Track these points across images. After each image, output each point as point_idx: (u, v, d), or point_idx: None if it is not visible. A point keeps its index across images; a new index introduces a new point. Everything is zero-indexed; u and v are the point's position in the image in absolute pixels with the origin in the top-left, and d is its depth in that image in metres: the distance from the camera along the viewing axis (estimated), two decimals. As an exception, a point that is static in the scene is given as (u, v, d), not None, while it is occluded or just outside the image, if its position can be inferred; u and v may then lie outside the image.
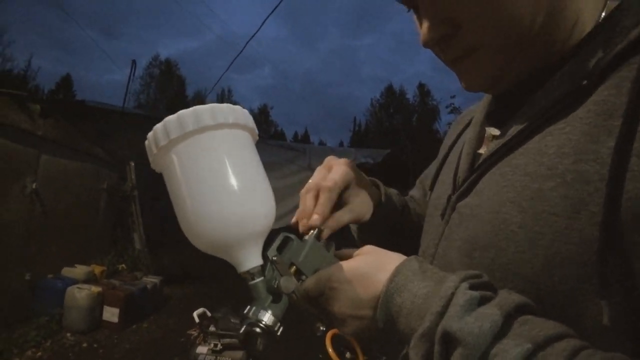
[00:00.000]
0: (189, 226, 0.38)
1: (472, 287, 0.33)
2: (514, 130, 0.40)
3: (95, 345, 3.36)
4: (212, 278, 5.60)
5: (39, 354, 3.08)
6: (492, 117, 0.49)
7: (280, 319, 0.40)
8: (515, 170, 0.38)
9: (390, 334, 0.39)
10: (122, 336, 3.61)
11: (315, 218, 0.48)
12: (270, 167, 6.17)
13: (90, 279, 4.11)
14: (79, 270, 4.11)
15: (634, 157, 0.30)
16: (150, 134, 0.39)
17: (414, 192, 0.76)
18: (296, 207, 0.53)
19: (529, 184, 0.36)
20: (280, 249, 0.44)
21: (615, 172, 0.30)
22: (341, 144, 34.20)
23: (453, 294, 0.33)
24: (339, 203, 0.53)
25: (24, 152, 3.81)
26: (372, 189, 0.60)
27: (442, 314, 0.32)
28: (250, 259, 0.40)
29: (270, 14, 5.40)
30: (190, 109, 0.37)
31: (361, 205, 0.55)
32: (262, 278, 0.40)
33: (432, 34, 0.41)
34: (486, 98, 0.53)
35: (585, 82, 0.35)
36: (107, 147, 5.76)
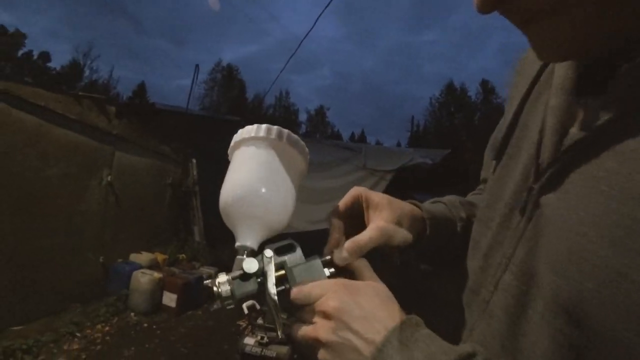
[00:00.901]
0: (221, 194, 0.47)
1: None
2: (604, 115, 0.31)
3: (154, 327, 3.65)
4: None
5: (107, 328, 3.42)
6: (585, 82, 0.37)
7: (235, 295, 0.40)
8: (609, 176, 0.29)
9: None
10: (179, 321, 3.87)
11: (326, 251, 0.46)
12: (325, 166, 6.21)
13: (153, 265, 4.47)
14: (144, 257, 4.49)
15: None
16: (242, 130, 0.49)
17: (486, 174, 0.63)
18: None
19: (619, 206, 0.28)
20: (280, 251, 0.44)
21: None
22: (398, 145, 33.39)
23: None
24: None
25: (101, 149, 4.26)
26: (411, 211, 0.51)
27: None
28: (246, 239, 0.44)
29: (323, 11, 5.42)
30: (266, 125, 0.48)
31: (387, 222, 0.47)
32: (246, 258, 0.42)
33: None
34: None
35: None
36: (173, 145, 6.22)
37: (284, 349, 2.49)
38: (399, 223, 0.48)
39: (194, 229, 6.38)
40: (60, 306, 3.53)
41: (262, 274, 0.41)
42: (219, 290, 0.40)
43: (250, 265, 0.41)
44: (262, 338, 2.43)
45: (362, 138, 48.40)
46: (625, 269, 0.26)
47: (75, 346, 3.03)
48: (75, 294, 3.71)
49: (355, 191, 0.50)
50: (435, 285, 6.47)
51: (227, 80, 36.84)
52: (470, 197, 0.66)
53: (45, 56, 30.13)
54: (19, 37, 27.52)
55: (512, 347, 0.37)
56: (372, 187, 6.94)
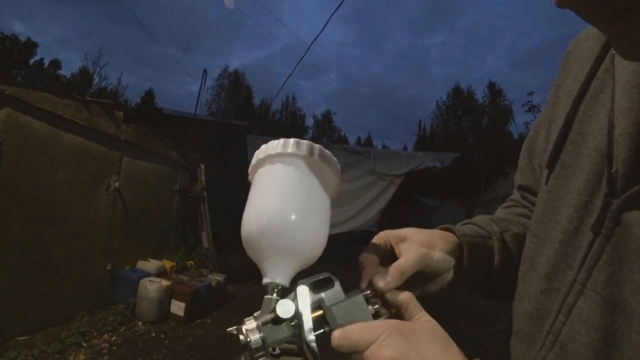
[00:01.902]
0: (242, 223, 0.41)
1: None
2: None
3: (162, 336, 3.56)
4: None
5: (114, 338, 3.35)
6: None
7: (267, 344, 0.33)
8: None
9: None
10: (187, 330, 3.78)
11: (367, 281, 0.41)
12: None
13: (161, 273, 4.41)
14: (152, 264, 4.43)
15: None
16: (266, 145, 0.43)
17: (523, 180, 0.58)
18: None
19: None
20: (316, 287, 0.38)
21: None
22: (405, 149, 33.14)
23: None
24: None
25: (110, 154, 4.22)
26: (442, 234, 0.49)
27: None
28: (276, 274, 0.38)
29: (331, 15, 5.37)
30: (294, 139, 0.42)
31: (421, 245, 0.45)
32: (277, 298, 0.37)
33: None
34: None
35: None
36: (181, 151, 6.18)
37: (296, 361, 2.41)
38: (431, 246, 0.45)
39: (202, 235, 6.32)
40: (67, 315, 3.46)
41: (296, 315, 0.35)
42: (248, 339, 0.33)
43: (286, 308, 0.34)
44: (273, 349, 2.35)
45: (369, 142, 48.30)
46: None
47: (82, 357, 2.96)
48: (82, 302, 3.65)
49: (380, 234, 0.48)
50: (450, 296, 6.33)
51: (234, 86, 37.03)
52: (502, 210, 0.62)
53: (55, 64, 30.66)
54: (30, 46, 28.04)
55: None
56: (382, 192, 6.89)
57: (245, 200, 0.41)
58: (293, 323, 0.35)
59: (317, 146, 0.41)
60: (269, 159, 0.41)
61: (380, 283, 0.39)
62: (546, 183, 0.43)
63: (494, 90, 33.75)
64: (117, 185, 4.27)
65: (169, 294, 3.94)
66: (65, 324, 3.34)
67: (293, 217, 0.38)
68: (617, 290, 0.32)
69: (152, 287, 3.80)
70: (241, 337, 0.33)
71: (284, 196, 0.39)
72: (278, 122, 40.63)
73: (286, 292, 0.37)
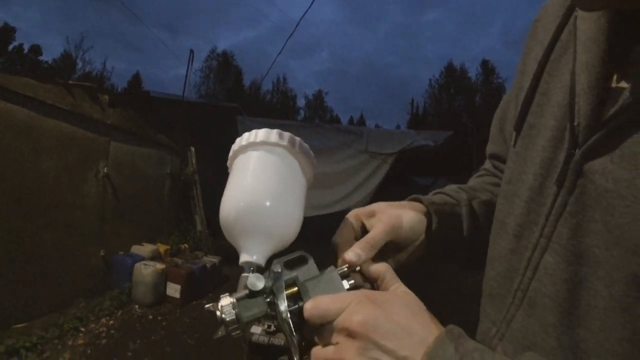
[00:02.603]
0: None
1: None
2: None
3: (159, 318, 3.62)
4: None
5: (112, 322, 3.39)
6: (623, 30, 0.33)
7: (242, 319, 0.34)
8: None
9: None
10: (183, 311, 3.84)
11: (342, 258, 0.42)
12: (326, 152, 6.08)
13: (156, 257, 4.42)
14: (146, 249, 4.44)
15: None
16: (239, 138, 0.45)
17: (494, 148, 0.58)
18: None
19: None
20: (290, 265, 0.39)
21: None
22: (398, 128, 33.04)
23: None
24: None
25: (97, 140, 4.14)
26: (410, 205, 0.50)
27: None
28: (251, 254, 0.39)
29: (320, -9, 5.20)
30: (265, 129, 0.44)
31: (389, 216, 0.45)
32: (250, 275, 0.38)
33: None
34: None
35: None
36: (170, 134, 6.09)
37: (291, 337, 2.48)
38: (399, 217, 0.46)
39: (195, 218, 6.31)
40: (64, 302, 3.48)
41: (271, 292, 0.36)
42: (223, 315, 0.34)
43: (256, 281, 0.35)
44: (269, 327, 2.39)
45: (361, 122, 48.02)
46: None
47: (80, 341, 3.00)
48: (78, 289, 3.66)
49: (351, 213, 0.48)
50: (442, 272, 6.44)
51: (223, 67, 36.20)
52: (474, 179, 0.63)
53: (36, 49, 29.63)
54: (8, 31, 27.01)
55: (570, 340, 0.32)
56: (374, 171, 6.89)
57: None
58: (268, 299, 0.36)
59: (286, 134, 0.43)
60: (242, 149, 0.43)
61: (352, 257, 0.40)
62: (514, 145, 0.44)
63: (487, 68, 33.52)
64: (105, 170, 4.21)
65: (164, 277, 3.96)
66: (62, 311, 3.36)
67: (269, 200, 0.39)
68: (581, 240, 0.32)
69: (147, 270, 3.82)
70: (217, 313, 0.34)
71: (258, 181, 0.41)
72: (269, 103, 40.08)
73: (262, 271, 0.39)
